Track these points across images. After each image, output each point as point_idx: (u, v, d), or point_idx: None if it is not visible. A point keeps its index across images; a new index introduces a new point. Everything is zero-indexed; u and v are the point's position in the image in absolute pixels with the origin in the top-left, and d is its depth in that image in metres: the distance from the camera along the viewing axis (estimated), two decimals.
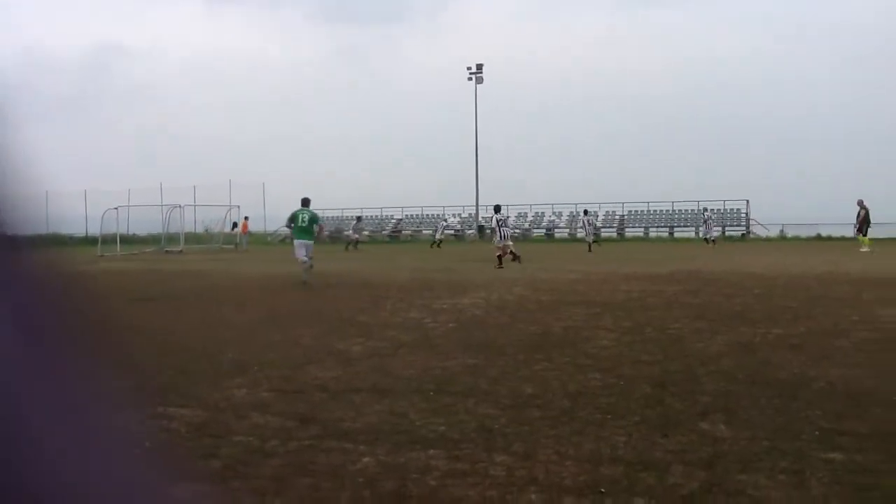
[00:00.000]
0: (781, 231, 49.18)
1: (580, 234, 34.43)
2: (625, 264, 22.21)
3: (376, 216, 62.57)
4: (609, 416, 5.08)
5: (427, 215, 60.98)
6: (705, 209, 45.92)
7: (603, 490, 3.72)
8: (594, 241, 34.89)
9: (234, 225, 46.65)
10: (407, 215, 62.47)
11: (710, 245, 35.18)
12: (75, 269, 0.63)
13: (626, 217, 57.46)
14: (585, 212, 38.16)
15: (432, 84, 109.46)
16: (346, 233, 45.54)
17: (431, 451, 4.34)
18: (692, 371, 6.58)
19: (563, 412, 5.20)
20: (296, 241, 17.33)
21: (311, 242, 17.17)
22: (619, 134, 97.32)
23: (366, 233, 42.34)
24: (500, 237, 22.89)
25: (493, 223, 23.89)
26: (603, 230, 55.59)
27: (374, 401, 5.58)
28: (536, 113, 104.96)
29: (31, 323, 0.57)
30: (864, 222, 29.92)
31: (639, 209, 57.44)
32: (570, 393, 5.77)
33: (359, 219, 46.95)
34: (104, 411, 0.62)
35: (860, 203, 30.07)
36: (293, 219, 17.60)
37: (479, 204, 56.69)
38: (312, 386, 6.13)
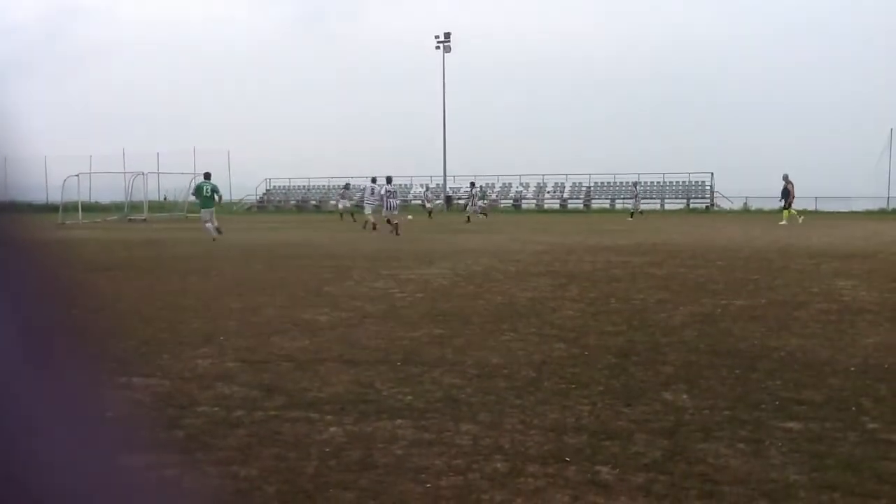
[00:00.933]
0: (745, 204, 49.80)
1: (470, 208, 35.90)
2: (590, 236, 22.37)
3: (341, 185, 62.19)
4: (574, 386, 5.14)
5: (396, 185, 60.78)
6: (635, 183, 47.34)
7: (567, 459, 3.77)
8: (481, 213, 35.64)
9: None
10: None
11: (631, 217, 36.85)
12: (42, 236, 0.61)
13: (592, 188, 57.75)
14: (472, 184, 39.28)
15: (399, 51, 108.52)
16: (333, 202, 42.00)
17: (398, 421, 4.36)
18: (655, 342, 6.67)
19: (529, 382, 5.25)
20: (202, 210, 21.75)
21: (213, 209, 21.66)
22: (588, 106, 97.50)
23: (348, 203, 38.92)
24: (388, 208, 24.77)
25: (382, 192, 25.53)
26: (570, 201, 55.96)
27: (341, 371, 5.58)
28: (504, 83, 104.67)
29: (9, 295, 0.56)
30: (788, 196, 30.89)
31: (605, 181, 57.75)
32: (535, 363, 5.81)
33: (347, 186, 41.86)
34: (89, 388, 0.61)
35: (785, 178, 30.95)
36: (198, 190, 22.13)
37: (447, 174, 56.60)
38: (278, 356, 6.10)
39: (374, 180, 27.05)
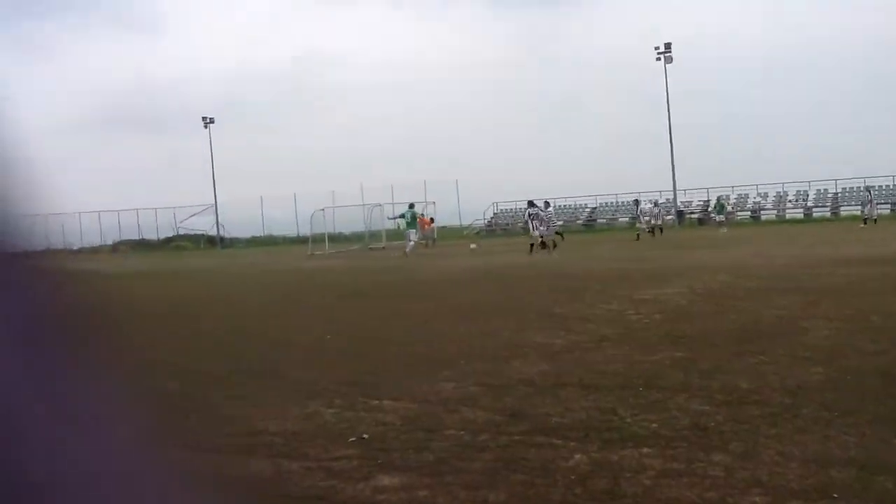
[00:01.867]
0: None
1: (640, 223, 36.22)
2: (841, 246, 20.67)
3: (570, 205, 62.13)
4: (836, 414, 4.73)
5: (622, 203, 59.74)
6: (868, 188, 43.52)
7: (835, 495, 3.47)
8: (649, 230, 35.30)
9: (431, 220, 47.90)
10: (601, 203, 61.54)
11: (862, 224, 34.60)
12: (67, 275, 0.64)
13: (840, 195, 53.44)
14: (636, 202, 39.54)
15: (620, 65, 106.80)
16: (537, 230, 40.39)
17: (644, 450, 4.24)
18: None
19: (784, 409, 4.91)
20: (408, 230, 30.50)
21: (415, 230, 30.98)
22: (831, 104, 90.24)
23: (560, 223, 39.36)
24: (532, 228, 26.94)
25: (526, 216, 28.25)
26: (815, 210, 52.15)
27: (581, 396, 5.53)
28: (732, 89, 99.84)
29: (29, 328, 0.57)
30: None
31: (855, 185, 53.15)
32: (789, 388, 5.43)
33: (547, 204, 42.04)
34: (111, 411, 0.61)
35: None
36: (403, 216, 31.66)
37: (677, 188, 54.79)
38: (518, 380, 6.17)
39: (546, 204, 28.62)
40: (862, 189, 49.81)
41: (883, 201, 50.07)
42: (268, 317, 11.54)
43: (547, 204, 27.91)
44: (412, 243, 29.48)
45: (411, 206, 31.82)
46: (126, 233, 68.87)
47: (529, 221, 27.17)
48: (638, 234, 33.96)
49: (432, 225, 45.96)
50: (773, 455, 4.04)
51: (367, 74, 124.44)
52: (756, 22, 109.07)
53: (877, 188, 51.63)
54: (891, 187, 51.72)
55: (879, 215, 40.30)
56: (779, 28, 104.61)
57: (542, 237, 26.10)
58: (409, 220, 30.62)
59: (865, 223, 35.15)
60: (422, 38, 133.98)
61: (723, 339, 7.50)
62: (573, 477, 3.89)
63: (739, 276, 13.54)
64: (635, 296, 11.42)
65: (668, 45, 54.53)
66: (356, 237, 47.26)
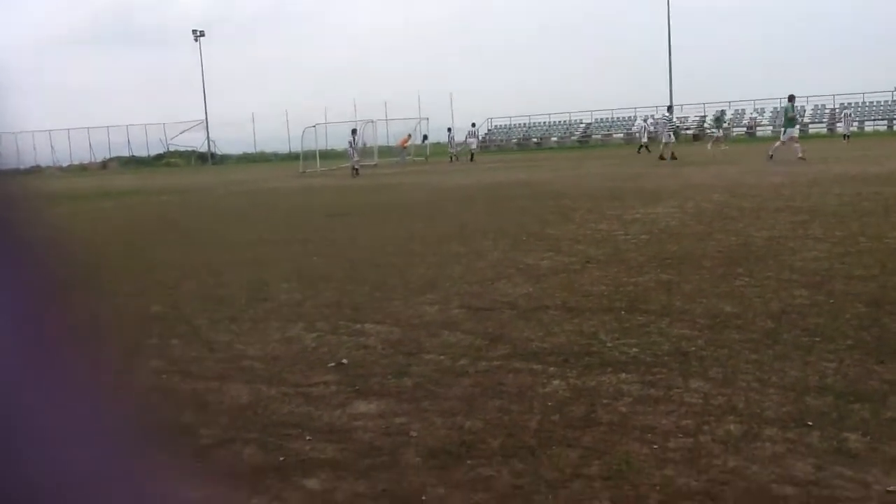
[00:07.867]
0: None
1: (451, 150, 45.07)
2: (835, 164, 20.51)
3: (564, 121, 61.44)
4: (817, 340, 4.71)
5: (618, 118, 59.09)
6: (843, 105, 44.72)
7: (810, 423, 3.46)
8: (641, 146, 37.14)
9: (425, 137, 47.45)
10: (596, 119, 60.81)
11: (845, 141, 36.93)
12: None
13: (837, 111, 52.86)
14: (449, 129, 46.95)
15: None
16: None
17: (623, 375, 4.22)
18: None
19: (766, 334, 4.89)
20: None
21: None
22: (827, 18, 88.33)
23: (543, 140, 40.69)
24: (352, 155, 34.03)
25: (349, 147, 34.91)
26: (811, 125, 51.64)
27: (564, 320, 5.50)
28: (732, 5, 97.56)
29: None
30: None
31: (854, 101, 52.50)
32: (773, 312, 5.40)
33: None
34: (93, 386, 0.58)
35: None
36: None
37: (674, 104, 54.08)
38: (501, 303, 6.13)
39: (669, 109, 35.36)
40: (876, 104, 49.61)
41: (879, 117, 49.66)
42: (254, 237, 11.45)
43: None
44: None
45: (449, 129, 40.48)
46: (116, 150, 68.32)
47: (351, 149, 34.36)
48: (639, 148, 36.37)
49: (407, 143, 45.90)
50: (752, 382, 4.02)
51: None
52: None
53: (874, 103, 51.10)
54: (889, 102, 51.02)
55: (875, 131, 40.70)
56: None
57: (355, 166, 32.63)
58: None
59: (846, 139, 36.78)
60: None
61: (710, 260, 7.46)
62: (550, 403, 3.88)
63: (732, 195, 13.44)
64: (626, 216, 11.34)
65: None
66: (348, 154, 46.86)
